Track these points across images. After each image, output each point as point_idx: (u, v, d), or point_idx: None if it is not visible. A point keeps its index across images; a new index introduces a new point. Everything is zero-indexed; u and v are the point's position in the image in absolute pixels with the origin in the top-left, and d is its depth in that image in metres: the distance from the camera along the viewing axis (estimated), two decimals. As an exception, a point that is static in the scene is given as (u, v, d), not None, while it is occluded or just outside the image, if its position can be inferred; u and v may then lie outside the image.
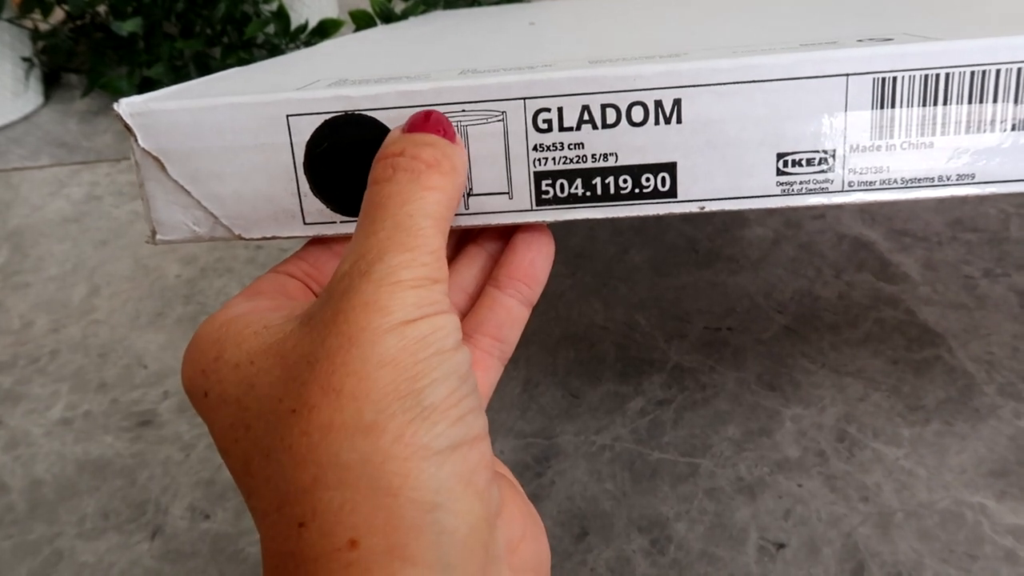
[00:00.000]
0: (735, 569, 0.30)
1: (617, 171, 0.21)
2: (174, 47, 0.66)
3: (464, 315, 0.24)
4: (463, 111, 0.20)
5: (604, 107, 0.20)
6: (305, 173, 0.21)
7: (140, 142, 0.21)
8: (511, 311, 0.23)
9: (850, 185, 0.20)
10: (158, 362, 0.46)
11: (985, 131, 0.20)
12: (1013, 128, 0.20)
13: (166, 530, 0.36)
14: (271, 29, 0.66)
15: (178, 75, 0.67)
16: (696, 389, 0.38)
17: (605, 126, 0.20)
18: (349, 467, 0.16)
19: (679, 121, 0.20)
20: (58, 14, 0.73)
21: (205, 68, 0.66)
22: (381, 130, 0.21)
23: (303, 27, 0.66)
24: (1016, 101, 0.19)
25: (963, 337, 0.39)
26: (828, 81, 0.19)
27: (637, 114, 0.20)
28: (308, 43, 0.66)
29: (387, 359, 0.17)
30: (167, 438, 0.41)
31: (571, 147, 0.20)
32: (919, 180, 0.20)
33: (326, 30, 0.64)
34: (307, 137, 0.21)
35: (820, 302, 0.43)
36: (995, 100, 0.19)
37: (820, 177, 0.20)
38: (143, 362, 0.46)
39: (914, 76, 0.19)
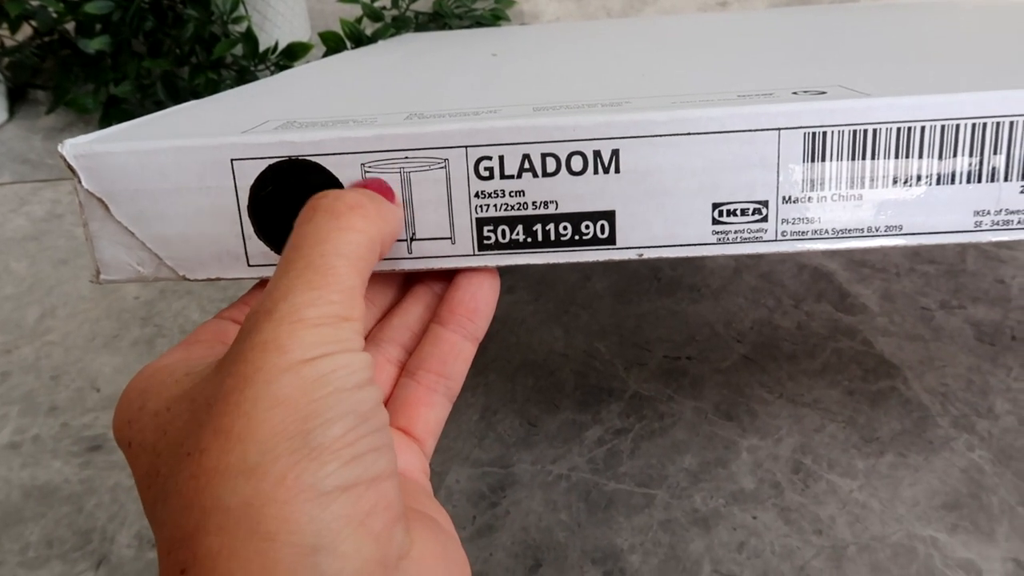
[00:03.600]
0: (686, 603, 0.31)
1: (557, 218, 0.21)
2: (142, 66, 0.65)
3: (410, 353, 0.24)
4: (406, 158, 0.20)
5: (544, 156, 0.20)
6: (249, 216, 0.21)
7: (84, 183, 0.21)
8: (454, 346, 0.23)
9: (783, 235, 0.21)
10: (112, 385, 0.45)
11: (911, 185, 0.20)
12: (938, 182, 0.20)
13: (111, 559, 0.35)
14: (239, 50, 0.66)
15: (145, 93, 0.66)
16: (654, 418, 0.38)
17: (545, 175, 0.21)
18: (230, 511, 0.16)
19: (617, 171, 0.20)
20: (25, 30, 0.72)
21: (172, 87, 0.66)
22: (325, 174, 0.21)
23: (272, 48, 0.66)
24: (940, 157, 0.20)
25: (918, 369, 0.40)
26: (761, 135, 0.20)
27: (576, 163, 0.20)
28: (277, 64, 0.66)
29: (280, 399, 0.16)
30: (117, 464, 0.40)
31: (512, 194, 0.21)
32: (849, 231, 0.21)
33: (295, 53, 0.65)
34: (251, 181, 0.21)
35: (779, 332, 0.43)
36: (920, 155, 0.20)
37: (754, 227, 0.20)
38: (96, 385, 0.45)
39: (843, 131, 0.20)
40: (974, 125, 0.20)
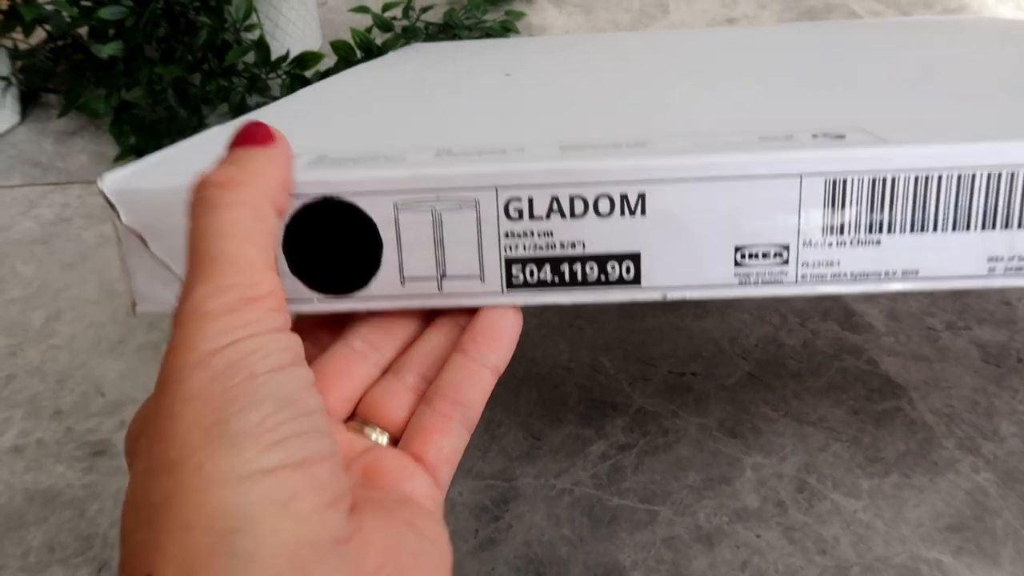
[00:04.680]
0: (694, 622, 0.31)
1: (584, 259, 0.22)
2: (154, 72, 0.66)
3: (430, 382, 0.24)
4: (438, 198, 0.21)
5: (572, 198, 0.21)
6: (284, 253, 0.22)
7: (123, 219, 0.21)
8: (472, 373, 0.23)
9: (803, 278, 0.21)
10: (117, 390, 0.45)
11: (928, 231, 0.21)
12: (953, 228, 0.21)
13: (113, 565, 0.35)
14: (251, 58, 0.66)
15: (156, 99, 0.67)
16: (658, 434, 0.39)
17: (573, 216, 0.21)
18: (155, 506, 0.16)
19: (643, 213, 0.21)
20: (39, 34, 0.72)
21: (184, 94, 0.66)
22: (358, 214, 0.21)
23: (284, 57, 0.66)
24: (956, 204, 0.21)
25: (924, 389, 0.40)
26: (783, 180, 0.20)
27: (604, 206, 0.21)
28: (288, 73, 0.67)
29: (193, 394, 0.17)
30: (121, 469, 0.40)
31: (540, 235, 0.21)
32: (867, 275, 0.21)
33: (306, 62, 0.65)
34: (287, 219, 0.21)
35: (784, 349, 0.44)
36: (937, 202, 0.21)
37: (775, 270, 0.21)
38: (101, 390, 0.45)
39: (863, 178, 0.21)
40: (990, 174, 0.20)
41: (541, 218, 0.21)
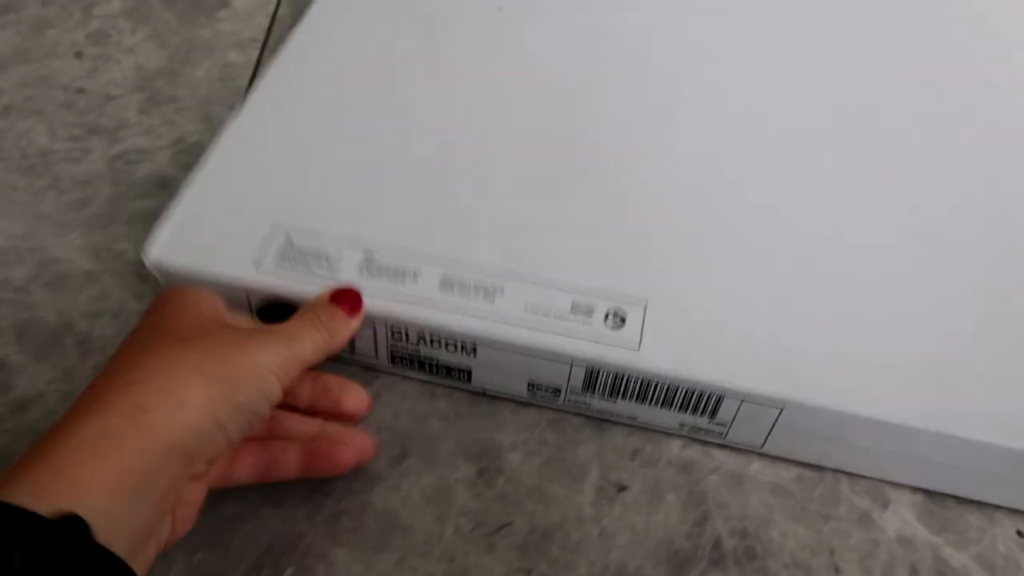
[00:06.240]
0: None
1: (438, 363, 0.34)
2: None
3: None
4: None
5: (431, 338, 0.33)
6: (254, 313, 0.34)
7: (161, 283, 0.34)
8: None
9: (567, 404, 0.34)
10: None
11: (646, 403, 0.33)
12: (661, 407, 0.33)
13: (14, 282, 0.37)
14: None
15: None
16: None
17: (432, 347, 0.33)
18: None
19: (475, 356, 0.33)
20: None
21: None
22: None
23: None
24: (665, 399, 0.33)
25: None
26: (560, 362, 0.32)
27: (450, 347, 0.33)
28: None
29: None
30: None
31: (411, 349, 0.34)
32: (607, 412, 0.34)
33: None
34: (257, 303, 0.34)
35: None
36: (656, 392, 0.33)
37: (551, 396, 0.34)
38: None
39: (609, 372, 0.32)
40: (692, 392, 0.32)
41: (413, 343, 0.33)
